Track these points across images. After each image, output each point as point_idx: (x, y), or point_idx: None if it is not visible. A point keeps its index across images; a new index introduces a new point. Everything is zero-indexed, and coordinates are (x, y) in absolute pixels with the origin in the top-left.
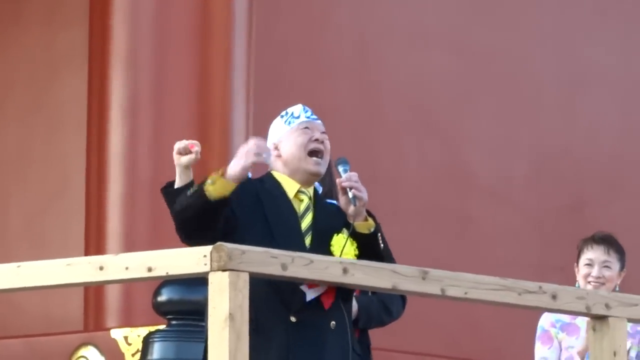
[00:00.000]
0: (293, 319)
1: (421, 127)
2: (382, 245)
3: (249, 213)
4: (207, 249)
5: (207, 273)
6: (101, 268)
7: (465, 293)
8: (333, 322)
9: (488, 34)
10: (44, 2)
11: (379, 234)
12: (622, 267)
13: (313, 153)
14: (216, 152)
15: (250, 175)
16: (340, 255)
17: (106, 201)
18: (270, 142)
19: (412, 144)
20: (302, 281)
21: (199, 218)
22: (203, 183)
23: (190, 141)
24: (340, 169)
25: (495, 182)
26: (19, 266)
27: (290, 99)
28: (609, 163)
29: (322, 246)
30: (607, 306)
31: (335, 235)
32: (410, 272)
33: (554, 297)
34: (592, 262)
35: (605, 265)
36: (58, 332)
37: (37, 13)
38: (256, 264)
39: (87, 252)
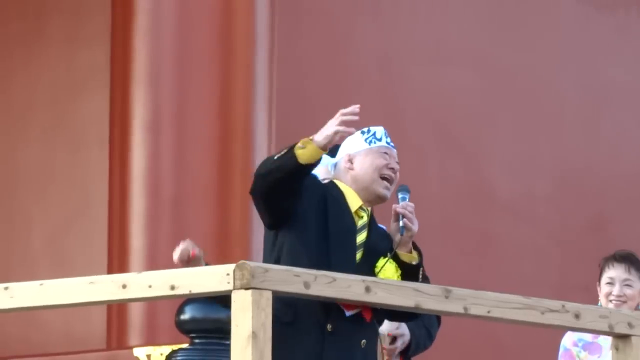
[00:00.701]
0: (330, 327)
1: (443, 144)
2: (420, 279)
3: (312, 210)
4: (230, 268)
5: (230, 291)
6: (124, 286)
7: (488, 312)
8: (364, 341)
9: (510, 52)
10: (65, 20)
11: (421, 268)
12: None
13: (385, 179)
14: (238, 169)
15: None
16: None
17: (128, 219)
18: (344, 152)
19: (434, 161)
20: (328, 300)
21: (285, 181)
22: (293, 146)
23: (184, 248)
24: (400, 195)
25: (517, 199)
26: (41, 284)
27: (313, 116)
28: (631, 180)
29: (368, 264)
30: (629, 325)
31: (382, 258)
32: (433, 290)
33: (576, 316)
34: (613, 280)
35: (626, 284)
36: (81, 351)
37: (59, 32)
38: (279, 282)
39: (109, 270)
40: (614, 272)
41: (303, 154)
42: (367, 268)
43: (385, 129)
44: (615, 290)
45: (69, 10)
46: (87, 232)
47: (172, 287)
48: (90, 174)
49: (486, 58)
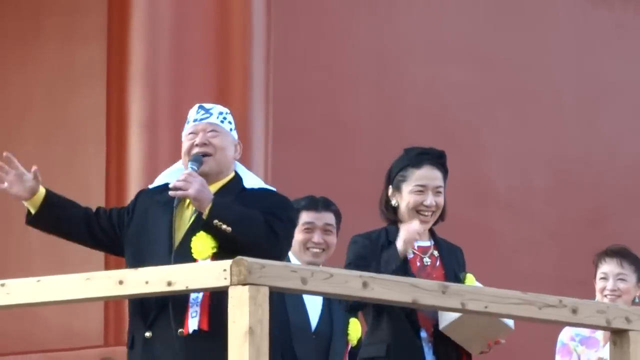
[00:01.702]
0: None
1: (441, 140)
2: (227, 227)
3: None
4: (227, 263)
5: (226, 287)
6: (121, 282)
7: (486, 307)
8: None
9: (508, 48)
10: (62, 18)
11: (215, 220)
12: (639, 279)
13: (193, 160)
14: None
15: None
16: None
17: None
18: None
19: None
20: (324, 295)
21: None
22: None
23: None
24: (189, 164)
25: (515, 194)
26: (38, 281)
27: (310, 113)
28: (629, 175)
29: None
30: (627, 320)
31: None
32: (430, 286)
33: (574, 311)
34: (607, 275)
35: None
36: (79, 347)
37: (55, 29)
38: (276, 278)
39: (106, 267)
40: (607, 267)
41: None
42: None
43: (203, 104)
44: (609, 284)
45: (65, 8)
46: None
47: (169, 283)
48: (87, 171)
49: (483, 54)
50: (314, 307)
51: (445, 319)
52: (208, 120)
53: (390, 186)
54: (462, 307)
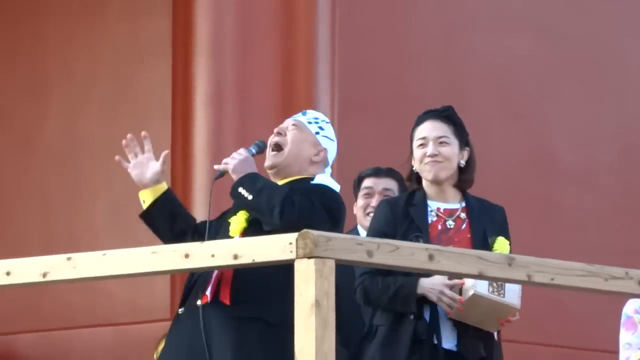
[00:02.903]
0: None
1: (507, 113)
2: (248, 195)
3: None
4: (292, 237)
5: (292, 260)
6: (187, 256)
7: (552, 279)
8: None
9: (575, 19)
10: None
11: (240, 188)
12: None
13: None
14: None
15: None
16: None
17: (191, 189)
18: None
19: (497, 131)
20: (389, 268)
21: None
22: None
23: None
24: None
25: (581, 167)
26: (104, 254)
27: (376, 87)
28: None
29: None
30: None
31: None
32: (496, 258)
33: None
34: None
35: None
36: (145, 320)
37: (120, 3)
38: (342, 251)
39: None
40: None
41: None
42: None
43: (308, 110)
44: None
45: None
46: None
47: (235, 256)
48: (153, 145)
49: (549, 25)
50: None
51: None
52: (297, 118)
53: (410, 155)
54: (528, 279)
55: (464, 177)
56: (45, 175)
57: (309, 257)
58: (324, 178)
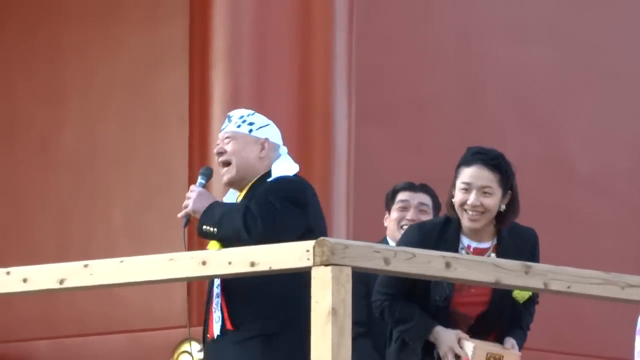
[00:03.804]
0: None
1: (523, 119)
2: (213, 229)
3: None
4: (310, 244)
5: (309, 268)
6: (204, 263)
7: (569, 287)
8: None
9: (589, 26)
10: None
11: (204, 226)
12: None
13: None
14: (318, 146)
15: None
16: None
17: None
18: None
19: (513, 137)
20: (406, 276)
21: None
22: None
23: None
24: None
25: (597, 174)
26: (121, 261)
27: (393, 94)
28: None
29: None
30: None
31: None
32: (513, 266)
33: None
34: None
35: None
36: (161, 327)
37: (137, 9)
38: (359, 258)
39: (190, 248)
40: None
41: None
42: None
43: (230, 113)
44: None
45: None
46: (167, 209)
47: (252, 264)
48: (170, 151)
49: (565, 33)
50: None
51: None
52: (225, 129)
53: (453, 186)
54: (545, 287)
55: (502, 219)
56: (63, 182)
57: (326, 265)
58: (279, 166)
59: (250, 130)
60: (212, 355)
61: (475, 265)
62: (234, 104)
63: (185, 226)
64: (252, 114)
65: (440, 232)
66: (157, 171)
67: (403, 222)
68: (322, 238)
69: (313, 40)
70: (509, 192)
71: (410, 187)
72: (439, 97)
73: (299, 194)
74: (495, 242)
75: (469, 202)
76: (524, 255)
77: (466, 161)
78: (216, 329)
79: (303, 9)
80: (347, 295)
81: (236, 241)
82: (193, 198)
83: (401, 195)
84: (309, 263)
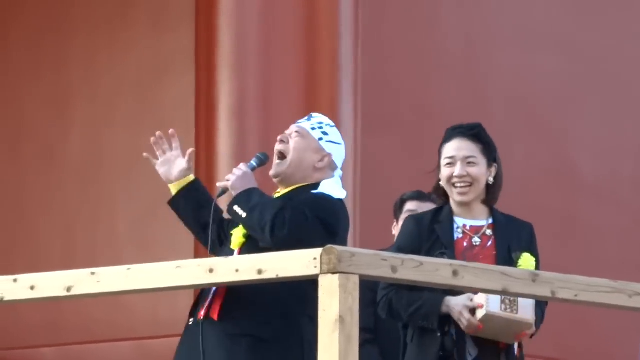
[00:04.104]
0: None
1: (528, 127)
2: (242, 213)
3: None
4: (317, 252)
5: (317, 276)
6: (211, 270)
7: (576, 295)
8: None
9: (596, 34)
10: (150, 5)
11: (235, 206)
12: None
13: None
14: None
15: None
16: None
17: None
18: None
19: (518, 144)
20: (413, 284)
21: None
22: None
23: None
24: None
25: (603, 181)
26: (128, 269)
27: (399, 102)
28: None
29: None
30: None
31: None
32: (520, 274)
33: None
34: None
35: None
36: (167, 335)
37: (143, 16)
38: (366, 266)
39: (196, 255)
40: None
41: None
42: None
43: (313, 113)
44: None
45: None
46: (173, 216)
47: (259, 272)
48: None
49: (572, 41)
50: None
51: None
52: (300, 124)
53: (438, 168)
54: (552, 295)
55: (491, 194)
56: (68, 188)
57: (333, 273)
58: (329, 185)
59: (321, 139)
60: (200, 334)
61: (482, 274)
62: (240, 110)
63: (218, 196)
64: (331, 126)
65: (433, 217)
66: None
67: None
68: (329, 246)
69: (319, 48)
70: (494, 164)
71: (418, 196)
72: (445, 104)
73: (334, 220)
74: (490, 221)
75: (455, 174)
76: (523, 242)
77: (446, 138)
78: (203, 312)
79: (309, 17)
80: (355, 303)
81: (259, 234)
82: (238, 175)
83: (409, 205)
84: (316, 271)
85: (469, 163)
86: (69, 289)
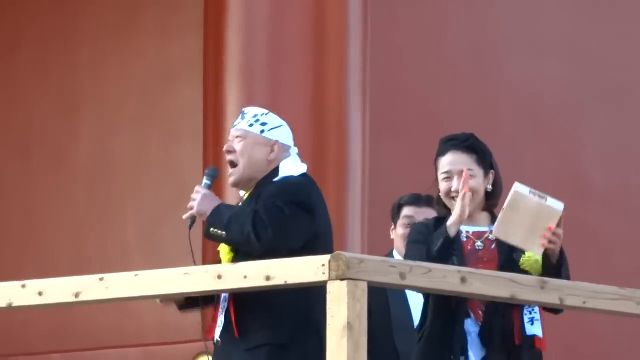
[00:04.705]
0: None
1: (537, 134)
2: (222, 233)
3: None
4: (325, 258)
5: (325, 282)
6: (219, 277)
7: (584, 302)
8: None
9: (605, 41)
10: (158, 11)
11: (211, 229)
12: None
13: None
14: (332, 160)
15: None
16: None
17: None
18: None
19: (528, 152)
20: (422, 291)
21: None
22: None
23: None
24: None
25: (612, 190)
26: (136, 275)
27: (407, 110)
28: None
29: None
30: None
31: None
32: (529, 281)
33: None
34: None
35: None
36: (175, 341)
37: (151, 22)
38: (374, 273)
39: (205, 261)
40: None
41: None
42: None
43: (244, 109)
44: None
45: (161, 2)
46: (181, 223)
47: (268, 278)
48: (184, 166)
49: (581, 49)
50: (417, 302)
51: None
52: (238, 126)
53: (436, 181)
54: (561, 302)
55: (491, 200)
56: (77, 194)
57: (342, 279)
58: (286, 166)
59: (262, 131)
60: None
61: (491, 281)
62: None
63: (190, 228)
64: (267, 114)
65: (435, 226)
66: (171, 185)
67: None
68: (337, 252)
69: (327, 55)
70: (491, 170)
71: (415, 201)
72: (454, 112)
73: (307, 198)
74: (492, 226)
75: (453, 189)
76: None
77: (441, 152)
78: (217, 333)
79: (317, 24)
80: (363, 310)
81: (245, 245)
82: (198, 200)
83: (406, 211)
84: (325, 277)
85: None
86: (77, 295)
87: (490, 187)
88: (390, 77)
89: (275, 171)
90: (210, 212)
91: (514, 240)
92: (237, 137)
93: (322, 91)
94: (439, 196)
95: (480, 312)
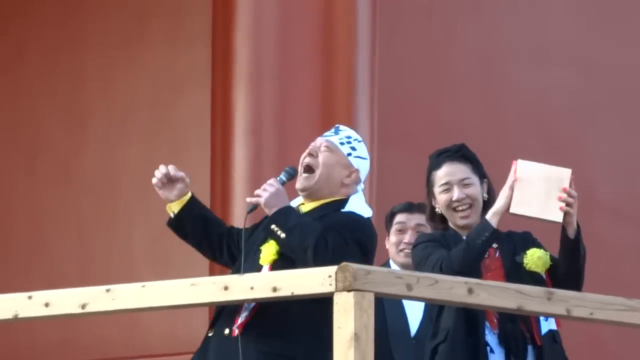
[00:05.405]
0: None
1: (544, 144)
2: (282, 233)
3: None
4: (332, 269)
5: (332, 293)
6: (226, 288)
7: (591, 314)
8: None
9: (612, 50)
10: (166, 21)
11: (273, 225)
12: None
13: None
14: None
15: None
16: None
17: (231, 220)
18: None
19: (534, 160)
20: (429, 301)
21: None
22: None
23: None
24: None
25: (620, 200)
26: (143, 286)
27: (415, 119)
28: None
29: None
30: None
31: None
32: (536, 292)
33: None
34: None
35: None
36: (183, 352)
37: (159, 32)
38: (381, 284)
39: (211, 272)
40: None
41: None
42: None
43: (339, 126)
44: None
45: (169, 11)
46: None
47: (274, 289)
48: (191, 174)
49: (587, 57)
50: (414, 313)
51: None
52: (329, 137)
53: (429, 196)
54: (568, 313)
55: (487, 210)
56: (83, 205)
57: (349, 290)
58: (356, 202)
59: (349, 154)
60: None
61: (497, 292)
62: (256, 127)
63: (248, 212)
64: (359, 141)
65: (443, 237)
66: None
67: (402, 246)
68: (344, 263)
69: (336, 65)
70: (485, 179)
71: (407, 208)
72: (461, 120)
73: (369, 241)
74: None
75: (454, 198)
76: (525, 244)
77: (434, 166)
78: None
79: (325, 32)
80: (370, 320)
81: (299, 255)
82: (271, 192)
83: (398, 217)
84: (332, 289)
85: (465, 185)
86: (83, 306)
87: (486, 195)
88: (398, 85)
89: (343, 202)
90: (278, 209)
91: (531, 211)
92: (325, 147)
93: (330, 100)
94: (432, 211)
95: (495, 320)
